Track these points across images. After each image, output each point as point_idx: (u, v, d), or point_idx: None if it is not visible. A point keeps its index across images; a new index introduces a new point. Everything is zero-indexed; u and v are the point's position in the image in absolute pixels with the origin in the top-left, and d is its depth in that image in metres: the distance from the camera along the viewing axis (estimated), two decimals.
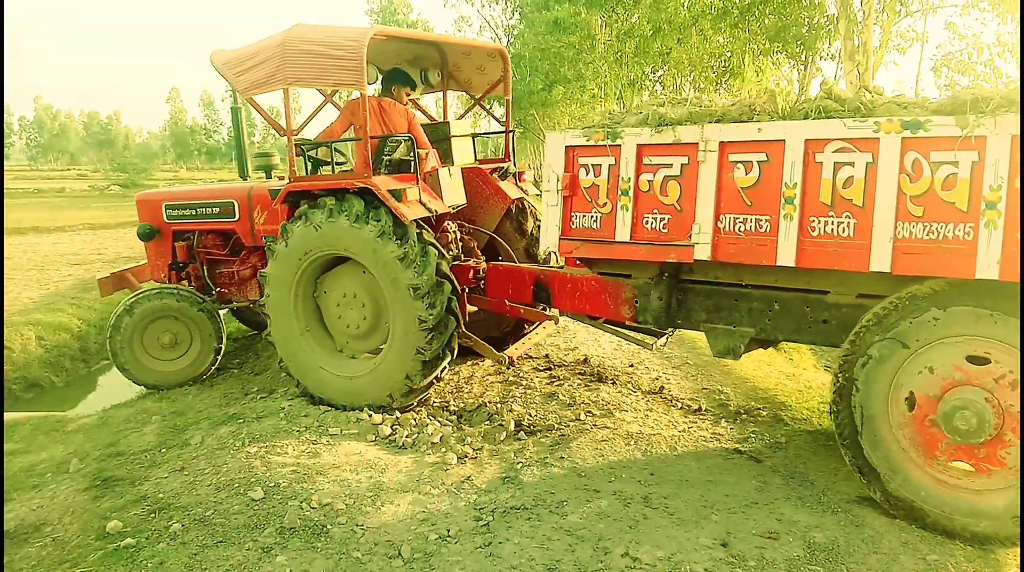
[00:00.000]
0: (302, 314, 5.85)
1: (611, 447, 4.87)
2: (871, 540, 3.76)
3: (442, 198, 5.89)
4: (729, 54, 16.95)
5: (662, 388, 6.13)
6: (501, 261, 6.26)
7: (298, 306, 5.83)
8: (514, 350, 6.01)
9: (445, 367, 5.52)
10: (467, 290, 5.91)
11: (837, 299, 4.16)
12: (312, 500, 4.19)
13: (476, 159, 7.01)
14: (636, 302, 4.83)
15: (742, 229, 4.05)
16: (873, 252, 3.67)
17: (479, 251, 6.54)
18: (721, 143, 4.05)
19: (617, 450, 4.84)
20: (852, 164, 3.71)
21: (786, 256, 3.91)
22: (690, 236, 4.19)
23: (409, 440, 5.04)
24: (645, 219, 4.37)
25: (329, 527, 3.95)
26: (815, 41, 16.21)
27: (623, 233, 4.44)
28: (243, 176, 7.39)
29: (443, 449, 4.89)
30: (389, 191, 5.24)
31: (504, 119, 6.94)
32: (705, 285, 4.59)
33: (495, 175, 6.53)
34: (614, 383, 6.21)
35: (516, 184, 6.62)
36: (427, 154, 6.15)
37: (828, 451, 4.93)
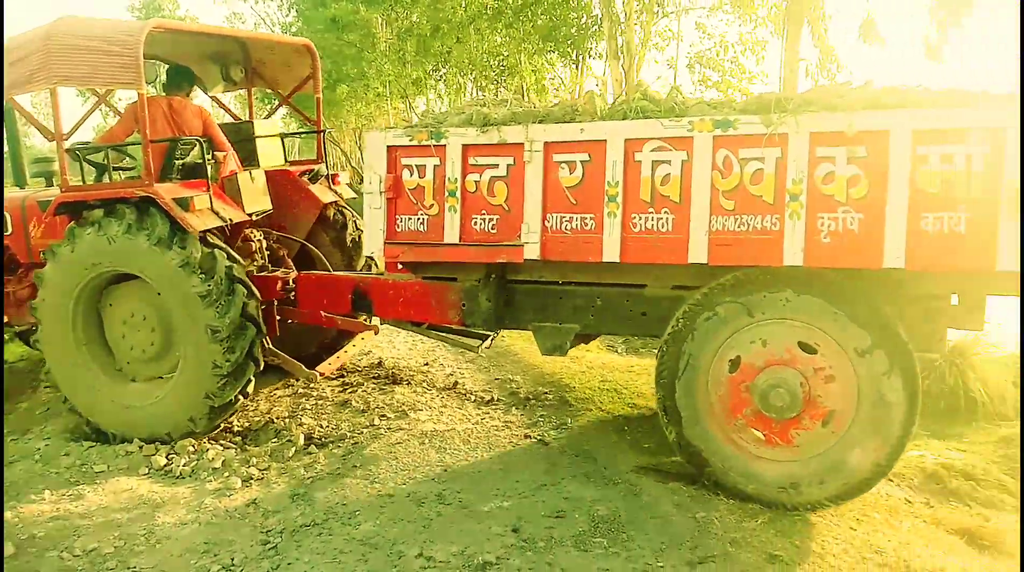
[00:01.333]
0: (81, 327, 5.23)
1: (405, 449, 4.84)
2: (648, 506, 4.03)
3: (242, 204, 5.49)
4: (506, 53, 17.45)
5: (456, 383, 6.19)
6: (316, 270, 5.93)
7: (77, 318, 5.21)
8: (327, 366, 5.71)
9: (251, 380, 5.12)
10: (276, 303, 5.55)
11: (655, 292, 4.33)
12: (75, 548, 3.79)
13: (286, 161, 6.58)
14: (463, 305, 4.75)
15: (569, 228, 4.12)
16: (691, 245, 3.87)
17: (290, 260, 6.15)
18: (546, 143, 4.11)
19: (411, 451, 4.81)
20: (669, 162, 3.89)
21: (611, 252, 4.02)
22: (519, 236, 4.21)
23: (187, 469, 4.70)
24: (473, 220, 4.33)
25: None
26: (584, 40, 17.11)
27: (452, 235, 4.38)
28: (19, 184, 6.42)
29: (226, 473, 4.61)
30: (174, 200, 4.81)
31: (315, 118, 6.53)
32: (531, 285, 4.62)
33: (305, 178, 6.16)
34: (409, 383, 6.18)
35: (329, 187, 6.27)
36: (225, 157, 5.71)
37: (610, 427, 5.24)
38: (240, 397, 5.12)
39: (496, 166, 4.26)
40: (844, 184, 3.61)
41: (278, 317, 5.54)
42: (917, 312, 3.93)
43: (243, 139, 6.19)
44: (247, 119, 6.65)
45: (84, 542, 3.83)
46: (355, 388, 6.08)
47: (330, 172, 6.37)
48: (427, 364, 6.73)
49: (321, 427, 5.34)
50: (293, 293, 5.57)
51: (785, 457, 4.03)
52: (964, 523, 4.14)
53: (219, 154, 5.68)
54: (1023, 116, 3.37)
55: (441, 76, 20.50)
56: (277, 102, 7.13)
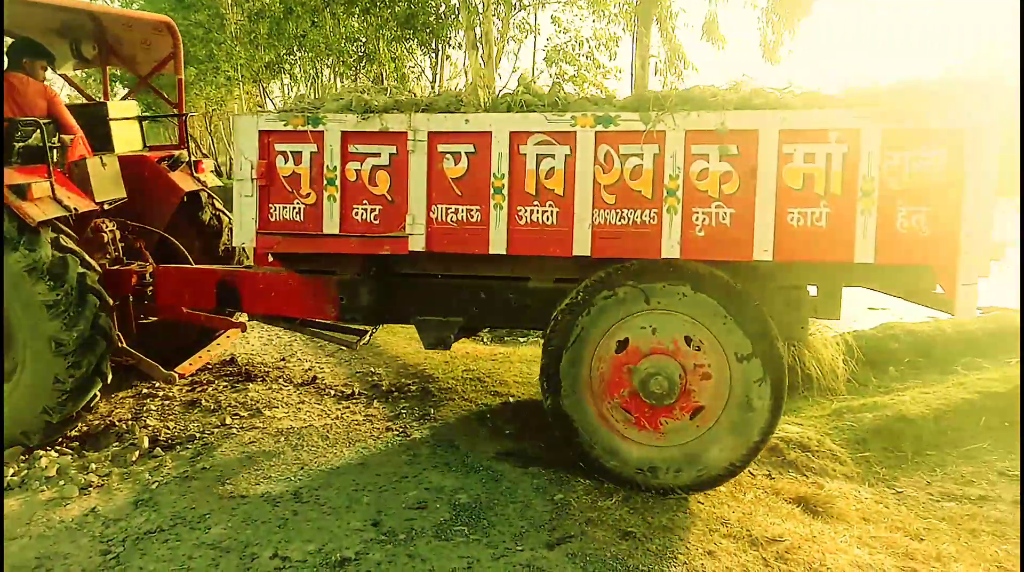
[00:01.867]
0: None
1: (259, 448, 4.67)
2: (508, 491, 4.10)
3: (92, 192, 5.04)
4: (364, 39, 17.10)
5: (315, 378, 6.04)
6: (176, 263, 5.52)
7: None
8: (188, 366, 5.33)
9: (96, 396, 4.75)
10: (131, 298, 5.16)
11: (538, 285, 4.36)
12: None
13: (145, 146, 6.10)
14: (341, 299, 4.59)
15: (454, 219, 4.08)
16: (575, 238, 3.92)
17: (147, 252, 5.71)
18: (430, 133, 4.04)
19: (266, 450, 4.65)
20: (553, 156, 3.92)
21: (498, 244, 4.01)
22: (404, 227, 4.11)
23: (16, 479, 4.31)
24: (354, 210, 4.19)
25: None
26: (443, 30, 17.06)
27: (331, 226, 4.21)
28: None
29: (61, 482, 4.26)
30: (10, 187, 4.37)
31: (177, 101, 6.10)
32: (414, 277, 4.53)
33: (165, 164, 5.73)
34: (264, 380, 5.97)
35: (191, 174, 5.86)
36: (73, 140, 5.21)
37: (472, 416, 5.28)
38: (83, 413, 4.77)
39: (378, 155, 4.15)
40: (717, 180, 3.78)
41: (135, 314, 5.17)
42: (781, 302, 4.16)
43: (96, 122, 5.69)
44: (101, 100, 6.12)
45: None
46: (205, 386, 5.81)
47: (193, 158, 5.99)
48: (283, 359, 6.52)
49: (168, 428, 5.05)
50: (151, 288, 5.21)
51: (649, 442, 4.20)
52: (800, 491, 4.49)
53: (66, 137, 5.20)
54: (1023, 116, 3.63)
55: (296, 60, 19.80)
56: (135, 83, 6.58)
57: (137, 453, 4.62)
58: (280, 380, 5.98)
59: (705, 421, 4.12)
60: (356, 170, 4.17)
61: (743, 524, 3.91)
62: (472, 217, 4.07)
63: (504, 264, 4.29)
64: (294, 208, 4.28)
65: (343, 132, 4.15)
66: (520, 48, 18.40)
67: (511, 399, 5.63)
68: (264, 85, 22.66)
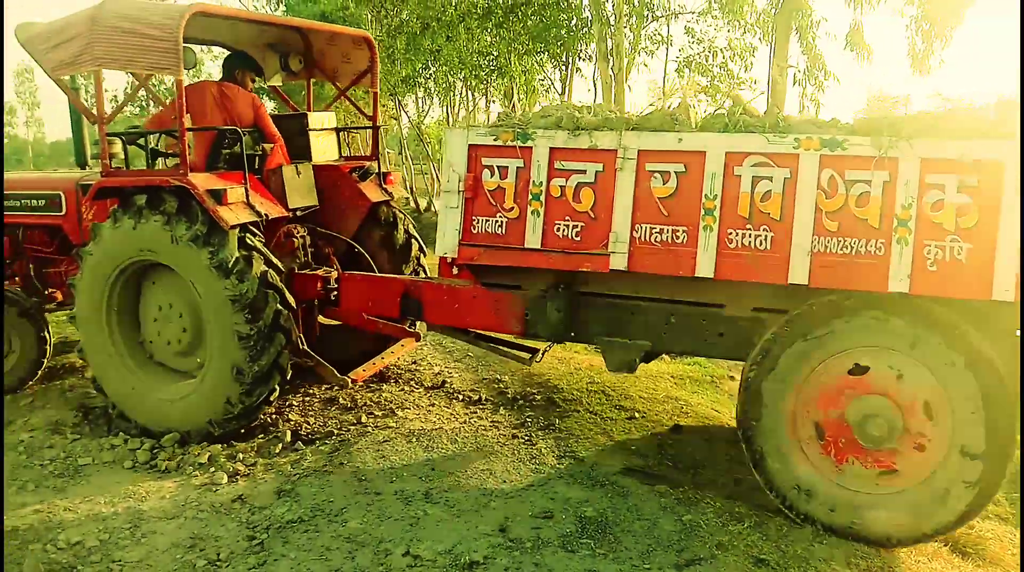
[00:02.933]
0: (117, 329, 5.14)
1: (392, 447, 4.84)
2: (635, 508, 4.06)
3: (285, 199, 5.35)
4: (496, 53, 17.46)
5: (444, 382, 6.19)
6: (361, 271, 5.75)
7: (112, 320, 5.11)
8: (362, 371, 5.51)
9: (275, 390, 4.96)
10: (316, 303, 5.41)
11: (734, 313, 4.16)
12: (59, 540, 3.77)
13: (340, 156, 6.38)
14: (527, 315, 4.56)
15: (659, 239, 3.98)
16: (791, 265, 3.72)
17: (335, 259, 5.93)
18: (640, 151, 3.97)
19: (398, 449, 4.81)
20: (771, 178, 3.76)
21: (705, 267, 3.87)
22: (606, 245, 4.05)
23: (172, 463, 4.67)
24: (556, 226, 4.18)
25: (80, 567, 3.57)
26: (574, 42, 17.17)
27: (533, 240, 4.20)
28: (81, 163, 6.30)
29: (212, 469, 4.58)
30: (208, 191, 4.68)
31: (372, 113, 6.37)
32: (603, 297, 4.43)
33: (355, 175, 5.93)
34: (396, 382, 6.17)
35: (380, 186, 6.02)
36: (273, 148, 5.57)
37: (596, 428, 5.26)
38: (263, 406, 5.00)
39: (584, 172, 4.10)
40: (953, 213, 3.49)
41: (318, 318, 5.38)
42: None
43: (296, 132, 5.99)
44: (303, 111, 6.45)
45: (68, 535, 3.80)
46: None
47: (383, 170, 6.16)
48: (415, 363, 6.72)
49: (308, 424, 5.32)
50: (335, 293, 5.42)
51: (829, 475, 3.94)
52: None
53: (266, 146, 5.54)
54: (1023, 117, 3.40)
55: (431, 75, 20.45)
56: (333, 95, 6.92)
57: (280, 446, 4.89)
58: (412, 382, 6.17)
59: (890, 484, 3.83)
60: (561, 186, 4.15)
61: (886, 561, 3.70)
62: (678, 238, 3.93)
63: (699, 289, 4.13)
64: (497, 221, 4.30)
65: (551, 148, 4.14)
66: (652, 59, 18.15)
67: (637, 414, 5.57)
68: (400, 99, 23.52)
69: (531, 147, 4.18)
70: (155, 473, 4.59)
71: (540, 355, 5.11)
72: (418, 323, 5.51)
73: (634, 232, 4.01)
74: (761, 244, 3.80)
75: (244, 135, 5.12)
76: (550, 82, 20.48)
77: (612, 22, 15.47)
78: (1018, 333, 3.60)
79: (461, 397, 5.87)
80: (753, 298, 4.09)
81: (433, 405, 5.65)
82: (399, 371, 6.42)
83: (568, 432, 5.16)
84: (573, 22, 16.93)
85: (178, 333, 5.11)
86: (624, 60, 15.87)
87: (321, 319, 5.72)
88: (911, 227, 3.54)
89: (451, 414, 5.49)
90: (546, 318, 4.50)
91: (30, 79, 77.01)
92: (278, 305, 4.81)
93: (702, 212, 3.86)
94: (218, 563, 3.58)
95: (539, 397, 5.89)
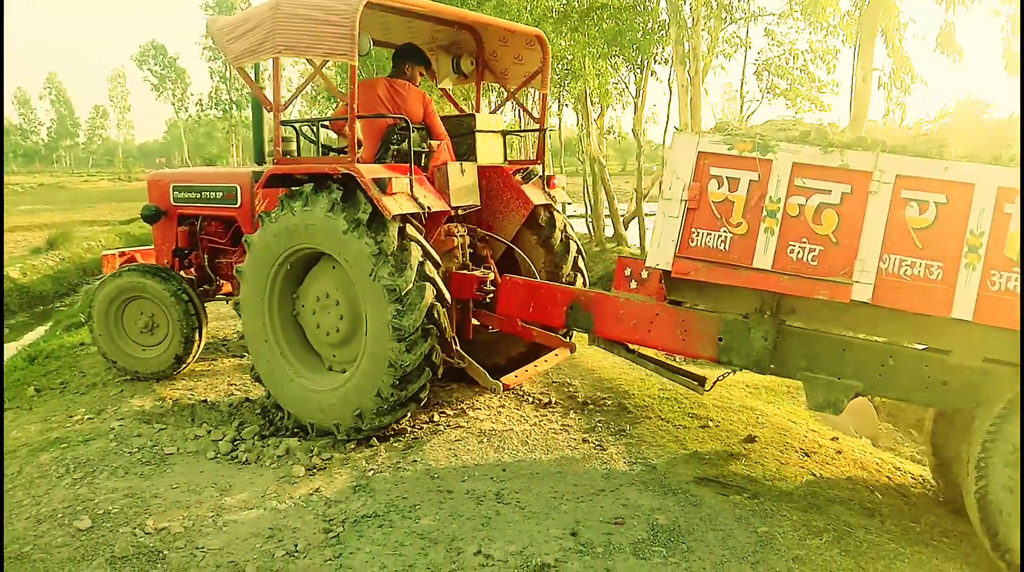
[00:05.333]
0: (277, 318, 5.22)
1: (464, 446, 4.89)
2: (708, 518, 3.99)
3: (448, 196, 5.34)
4: (570, 57, 17.44)
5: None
6: (519, 275, 5.65)
7: (273, 308, 5.21)
8: (513, 377, 5.38)
9: (425, 386, 4.87)
10: (472, 304, 5.42)
11: (961, 361, 3.81)
12: (147, 525, 3.93)
13: (506, 159, 6.37)
14: (721, 339, 4.33)
15: (909, 273, 3.66)
16: None
17: (492, 261, 5.93)
18: (897, 176, 3.66)
19: (470, 449, 4.85)
20: None
21: (963, 309, 3.53)
22: (849, 273, 3.75)
23: (252, 455, 4.81)
24: (791, 247, 3.88)
25: (166, 552, 3.70)
26: (649, 45, 17.01)
27: (763, 260, 3.92)
28: (259, 160, 6.49)
29: (289, 462, 4.71)
30: (373, 180, 4.69)
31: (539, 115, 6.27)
32: (811, 331, 4.19)
33: (518, 177, 5.88)
34: (467, 381, 6.21)
35: (543, 189, 5.93)
36: (439, 145, 5.65)
37: (668, 436, 5.19)
38: (413, 402, 4.93)
39: (828, 192, 3.81)
40: None
41: (472, 320, 5.41)
42: None
43: (463, 132, 5.99)
44: (470, 112, 6.46)
45: (155, 520, 3.97)
46: None
47: (546, 173, 6.05)
48: None
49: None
50: (491, 295, 5.37)
51: None
52: None
53: (433, 142, 5.64)
54: (1023, 116, 3.22)
55: None
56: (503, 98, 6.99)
57: (355, 441, 4.99)
58: None
59: None
60: (799, 205, 3.86)
61: None
62: (931, 273, 3.61)
63: (921, 331, 3.89)
64: (719, 236, 4.03)
65: (795, 163, 3.86)
66: (729, 62, 17.85)
67: (711, 423, 5.47)
68: (473, 101, 23.70)
69: (771, 160, 3.90)
70: (236, 464, 4.74)
71: (712, 384, 4.80)
72: (573, 335, 5.43)
73: (881, 262, 3.72)
74: None
75: (413, 129, 5.11)
76: (624, 85, 20.34)
77: (690, 25, 15.30)
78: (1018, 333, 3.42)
79: (531, 400, 5.88)
80: (984, 347, 3.74)
81: (503, 407, 5.67)
82: None
83: (639, 438, 5.11)
84: (649, 25, 16.77)
85: (334, 324, 5.12)
86: (701, 63, 15.66)
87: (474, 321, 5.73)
88: None
89: (521, 416, 5.50)
90: (749, 345, 4.25)
91: (122, 83, 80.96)
92: (433, 299, 4.77)
93: (965, 249, 3.53)
94: (296, 554, 3.67)
95: (610, 402, 5.85)
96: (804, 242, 3.87)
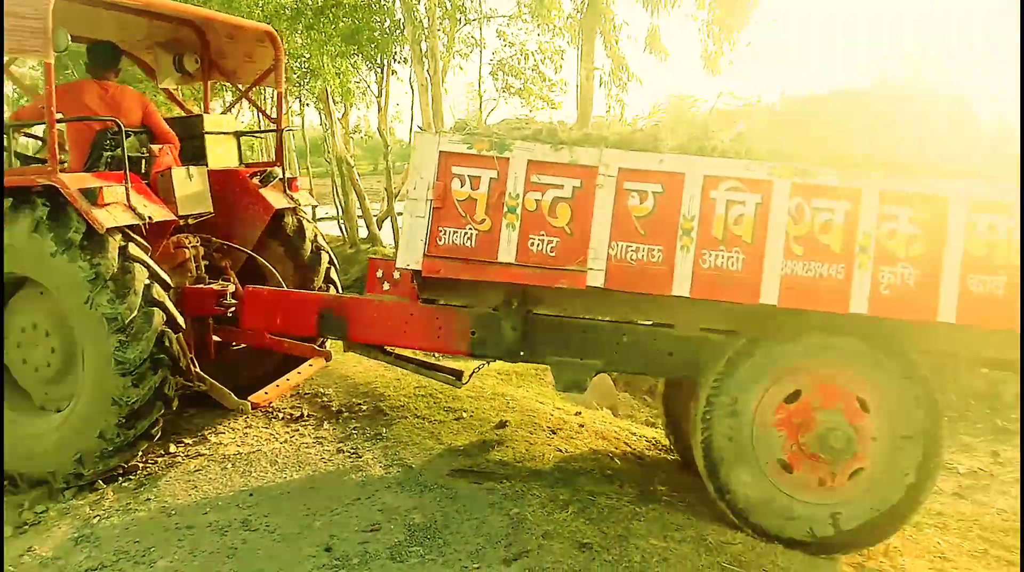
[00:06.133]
0: None
1: (205, 476, 4.53)
2: (464, 509, 4.06)
3: (175, 204, 4.82)
4: (308, 55, 16.95)
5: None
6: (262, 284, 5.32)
7: None
8: (263, 395, 5.10)
9: (157, 421, 4.51)
10: (212, 320, 4.95)
11: (683, 333, 4.26)
12: None
13: (241, 162, 5.84)
14: (473, 333, 4.44)
15: (635, 258, 3.96)
16: (763, 286, 3.84)
17: (232, 273, 5.48)
18: (620, 169, 3.93)
19: (212, 478, 4.51)
20: (743, 203, 3.86)
21: (681, 286, 3.90)
22: (584, 262, 3.98)
23: None
24: (531, 241, 4.04)
25: None
26: (388, 44, 17.01)
27: (507, 254, 4.04)
28: None
29: None
30: (80, 191, 4.14)
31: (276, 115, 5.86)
32: (554, 317, 4.39)
33: (256, 180, 5.49)
34: (206, 404, 5.77)
35: (284, 192, 5.60)
36: (160, 150, 5.02)
37: (424, 433, 5.22)
38: (144, 440, 4.52)
39: (561, 187, 4.02)
40: (905, 241, 3.76)
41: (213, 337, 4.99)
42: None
43: (190, 135, 5.50)
44: (197, 113, 5.89)
45: None
46: None
47: (287, 175, 5.71)
48: None
49: None
50: (232, 309, 5.01)
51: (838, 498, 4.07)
52: None
53: (153, 147, 5.03)
54: (1023, 116, 3.71)
55: None
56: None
57: (75, 488, 4.44)
58: None
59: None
60: (536, 200, 4.04)
61: (697, 529, 3.93)
62: (653, 256, 3.95)
63: (647, 309, 4.24)
64: (465, 233, 4.11)
65: (530, 161, 4.03)
66: (467, 62, 18.39)
67: (464, 414, 5.59)
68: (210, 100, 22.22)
69: (508, 158, 4.04)
70: None
71: (470, 376, 4.95)
72: (328, 342, 5.19)
73: (610, 250, 3.98)
74: (733, 265, 3.89)
75: (124, 129, 4.61)
76: (366, 84, 20.19)
77: (425, 25, 15.51)
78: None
79: (281, 415, 5.61)
80: (701, 318, 4.21)
81: (250, 427, 5.35)
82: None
83: (396, 440, 5.08)
84: (386, 24, 16.77)
85: (44, 359, 4.53)
86: (439, 63, 15.95)
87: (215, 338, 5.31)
88: (870, 253, 3.78)
89: (271, 434, 5.23)
90: (500, 337, 4.39)
91: None
92: (164, 325, 4.38)
93: (679, 232, 3.91)
94: None
95: (366, 407, 5.76)
96: (543, 235, 4.06)
